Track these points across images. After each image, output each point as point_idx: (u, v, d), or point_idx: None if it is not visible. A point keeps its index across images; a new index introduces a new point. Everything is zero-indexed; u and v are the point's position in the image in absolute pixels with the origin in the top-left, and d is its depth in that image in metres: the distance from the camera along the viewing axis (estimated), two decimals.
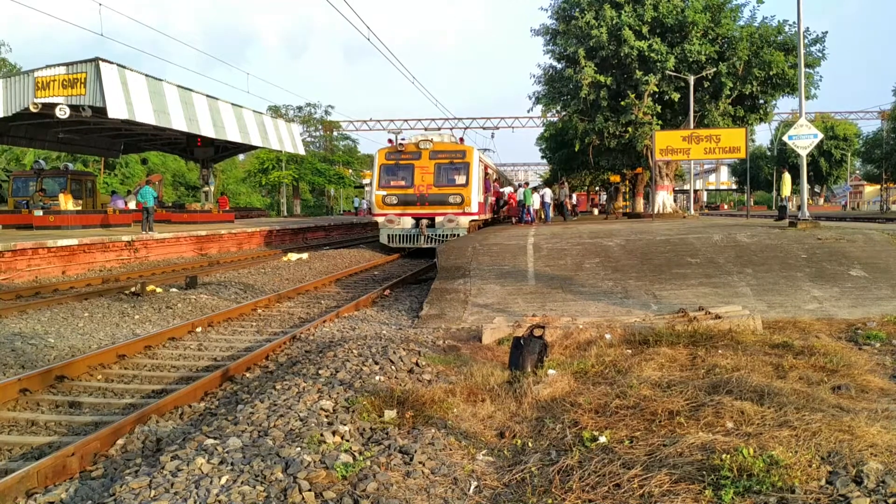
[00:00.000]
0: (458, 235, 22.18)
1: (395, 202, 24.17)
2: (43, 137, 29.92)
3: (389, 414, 5.57)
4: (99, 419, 6.49)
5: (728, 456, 4.12)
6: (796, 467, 3.97)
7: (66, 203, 25.44)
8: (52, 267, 17.57)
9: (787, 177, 24.22)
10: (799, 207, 18.82)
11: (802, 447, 4.27)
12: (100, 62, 21.54)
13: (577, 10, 27.11)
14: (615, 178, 49.85)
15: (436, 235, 23.78)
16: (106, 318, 11.58)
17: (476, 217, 24.77)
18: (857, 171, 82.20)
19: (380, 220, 24.74)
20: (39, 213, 24.59)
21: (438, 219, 23.97)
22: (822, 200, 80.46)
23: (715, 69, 26.57)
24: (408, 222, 24.25)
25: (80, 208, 27.02)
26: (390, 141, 25.70)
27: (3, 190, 37.35)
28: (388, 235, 24.74)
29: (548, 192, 34.96)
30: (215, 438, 5.02)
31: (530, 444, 5.01)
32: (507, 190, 31.66)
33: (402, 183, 24.27)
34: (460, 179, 24.18)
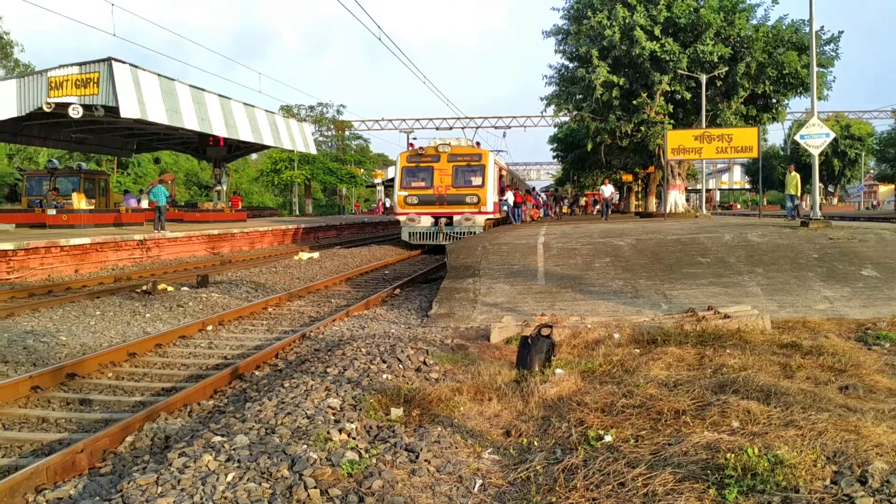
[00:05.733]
0: (475, 233, 23.29)
1: (415, 202, 25.76)
2: (56, 137, 30.12)
3: (396, 412, 5.59)
4: (109, 416, 6.54)
5: (733, 455, 4.12)
6: (801, 467, 3.96)
7: (79, 202, 25.61)
8: (64, 265, 17.71)
9: (795, 175, 23.93)
10: (811, 207, 18.72)
11: (808, 447, 4.26)
12: (112, 62, 21.68)
13: (590, 9, 27.07)
14: (627, 178, 49.78)
15: (453, 233, 25.11)
16: (117, 317, 11.66)
17: (491, 216, 26.03)
18: (872, 171, 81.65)
19: (401, 218, 26.33)
20: (53, 211, 24.79)
21: (456, 217, 25.41)
22: (835, 200, 79.93)
23: (728, 69, 26.46)
24: (427, 221, 25.82)
25: (92, 207, 27.20)
26: (410, 145, 27.72)
27: (17, 189, 37.63)
28: (409, 233, 26.29)
29: (606, 188, 34.64)
30: (223, 436, 5.06)
31: (536, 443, 5.01)
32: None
33: (423, 184, 25.91)
34: (476, 181, 25.68)
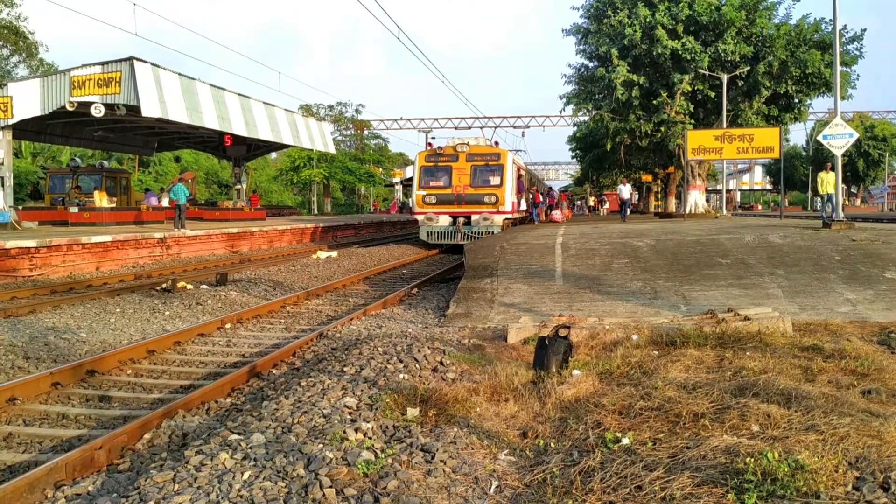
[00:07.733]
0: (493, 233, 23.22)
1: (433, 201, 25.64)
2: (79, 135, 30.40)
3: (412, 412, 5.57)
4: (127, 413, 6.58)
5: (752, 459, 4.06)
6: (822, 472, 3.90)
7: (101, 200, 25.87)
8: (86, 263, 17.87)
9: (831, 174, 23.25)
10: (833, 208, 18.48)
11: (829, 452, 4.19)
12: (134, 61, 21.85)
13: (610, 8, 26.93)
14: (647, 178, 49.46)
15: (472, 233, 24.98)
16: (137, 314, 11.75)
17: (509, 215, 25.94)
18: None
19: (420, 217, 26.23)
20: (75, 209, 25.03)
21: (474, 217, 25.30)
22: (858, 201, 79.06)
23: (749, 68, 26.24)
24: (445, 220, 25.70)
25: (114, 205, 27.46)
26: (429, 144, 27.58)
27: (41, 187, 38.04)
28: (427, 232, 26.17)
29: (624, 188, 33.40)
30: (239, 434, 5.07)
31: (552, 445, 4.98)
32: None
33: (441, 183, 25.76)
34: (495, 180, 25.49)
